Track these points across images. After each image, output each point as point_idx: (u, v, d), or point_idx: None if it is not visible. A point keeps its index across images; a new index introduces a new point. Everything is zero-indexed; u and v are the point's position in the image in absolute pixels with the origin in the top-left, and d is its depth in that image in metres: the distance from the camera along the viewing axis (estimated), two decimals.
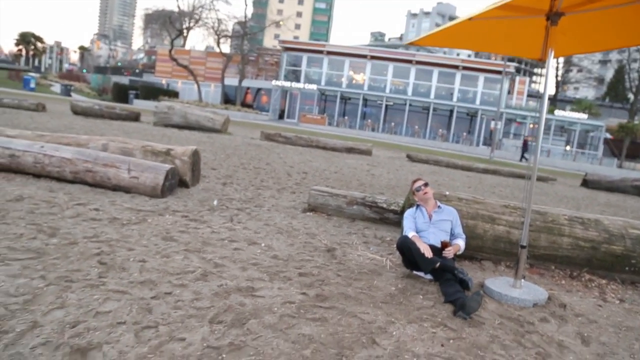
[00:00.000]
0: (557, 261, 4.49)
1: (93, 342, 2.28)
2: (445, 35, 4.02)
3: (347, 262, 4.10)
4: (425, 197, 4.21)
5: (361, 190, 7.97)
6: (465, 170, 16.94)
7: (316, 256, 4.16)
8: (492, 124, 34.55)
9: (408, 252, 3.73)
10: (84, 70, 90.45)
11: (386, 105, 47.17)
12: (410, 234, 3.94)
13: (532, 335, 3.03)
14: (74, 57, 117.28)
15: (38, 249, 3.43)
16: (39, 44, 79.31)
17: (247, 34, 50.92)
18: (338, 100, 47.81)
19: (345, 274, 3.75)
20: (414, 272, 3.88)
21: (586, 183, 16.66)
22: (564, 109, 48.34)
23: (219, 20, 49.88)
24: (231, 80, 50.32)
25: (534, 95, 58.73)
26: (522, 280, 3.78)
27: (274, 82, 49.13)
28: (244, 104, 51.34)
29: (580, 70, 75.24)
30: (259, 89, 55.04)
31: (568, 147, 45.91)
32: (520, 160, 31.71)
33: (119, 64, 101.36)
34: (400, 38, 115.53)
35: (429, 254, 3.65)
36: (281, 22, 53.29)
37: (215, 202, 5.83)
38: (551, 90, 60.58)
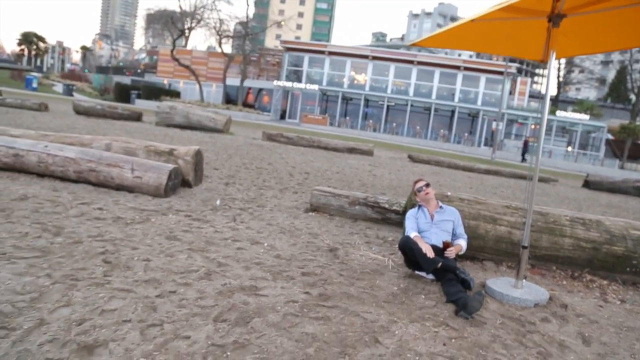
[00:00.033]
0: (558, 262, 4.51)
1: (99, 340, 2.31)
2: (447, 36, 4.05)
3: (350, 262, 4.13)
4: (427, 197, 4.23)
5: (363, 191, 7.99)
6: (466, 171, 16.95)
7: (319, 256, 4.19)
8: (494, 124, 34.53)
9: (410, 252, 3.75)
10: (86, 70, 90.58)
11: (388, 106, 47.19)
12: (412, 234, 3.96)
13: (534, 335, 3.05)
14: (76, 57, 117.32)
15: (43, 247, 3.47)
16: (41, 44, 79.45)
17: (248, 34, 50.95)
18: (339, 100, 47.87)
19: (347, 274, 3.77)
20: (416, 272, 3.90)
21: (588, 184, 16.68)
22: (565, 110, 48.40)
23: (221, 21, 50.04)
24: (233, 81, 50.37)
25: (536, 96, 58.77)
26: (524, 280, 3.81)
27: (275, 82, 49.19)
28: (246, 104, 51.40)
29: (582, 71, 75.18)
30: (260, 89, 55.09)
31: (570, 148, 45.91)
32: (522, 161, 31.77)
33: (121, 63, 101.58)
34: (402, 38, 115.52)
35: (431, 254, 3.67)
36: (283, 23, 53.30)
37: (218, 202, 5.86)
38: (553, 91, 60.56)
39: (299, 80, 49.05)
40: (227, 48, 55.72)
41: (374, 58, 47.99)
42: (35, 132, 7.10)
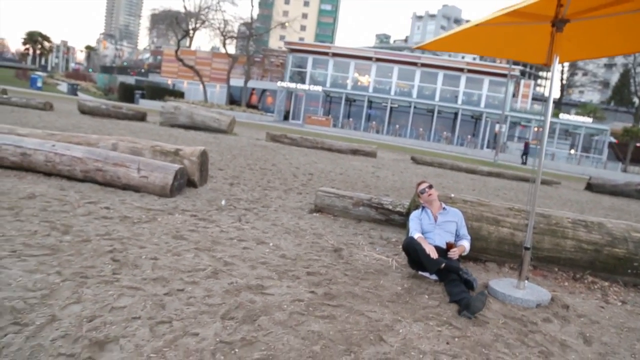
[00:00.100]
0: (560, 263, 4.55)
1: (110, 336, 2.36)
2: (453, 39, 4.10)
3: (354, 262, 4.18)
4: (430, 199, 4.27)
5: (366, 192, 8.03)
6: (469, 173, 16.99)
7: (323, 256, 4.24)
8: (497, 127, 34.56)
9: (414, 253, 3.79)
10: (90, 70, 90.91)
11: (391, 108, 47.22)
12: (416, 235, 4.00)
13: (535, 334, 3.09)
14: (81, 56, 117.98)
15: (52, 245, 3.52)
16: (45, 43, 79.67)
17: (252, 35, 51.04)
18: (343, 102, 47.93)
19: (352, 274, 3.82)
20: (420, 272, 3.95)
21: (590, 187, 16.69)
22: (568, 113, 48.30)
23: (225, 21, 50.15)
24: (236, 81, 50.46)
25: (539, 99, 58.70)
26: (526, 281, 3.85)
27: (279, 84, 49.26)
28: (249, 105, 51.51)
29: (585, 74, 75.11)
30: (264, 90, 55.20)
31: (572, 151, 45.86)
32: (525, 163, 31.82)
33: (125, 63, 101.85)
34: (406, 40, 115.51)
35: (434, 255, 3.71)
36: (287, 24, 53.32)
37: (223, 202, 5.91)
38: (556, 93, 60.46)
39: (303, 82, 49.12)
40: (231, 49, 55.81)
41: (378, 60, 48.03)
42: (43, 131, 7.17)
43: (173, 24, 49.59)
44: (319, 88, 47.46)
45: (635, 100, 56.46)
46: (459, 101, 46.25)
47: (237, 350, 2.39)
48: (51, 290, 2.76)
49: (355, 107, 49.39)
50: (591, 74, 75.10)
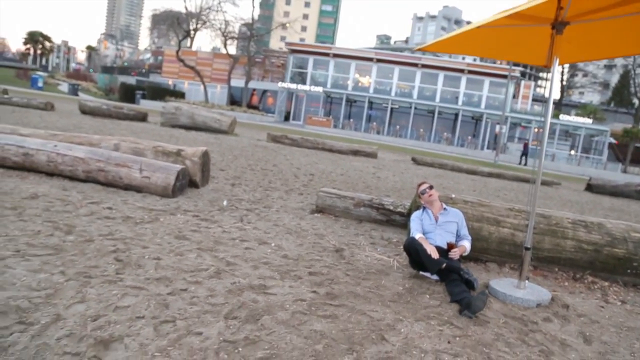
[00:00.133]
0: (560, 263, 4.57)
1: (115, 335, 2.39)
2: (454, 41, 4.12)
3: (355, 262, 4.20)
4: (431, 199, 4.30)
5: (367, 193, 8.05)
6: (470, 174, 17.01)
7: (325, 256, 4.26)
8: (497, 127, 34.61)
9: (415, 253, 3.82)
10: (91, 70, 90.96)
11: (391, 108, 47.25)
12: (417, 235, 4.02)
13: (536, 334, 3.12)
14: (81, 56, 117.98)
15: (56, 245, 3.54)
16: (46, 43, 79.65)
17: (253, 35, 51.10)
18: (344, 102, 47.98)
19: (353, 274, 3.84)
20: (421, 272, 3.97)
21: (590, 187, 16.71)
22: (568, 114, 48.28)
23: (226, 22, 50.23)
24: (237, 82, 50.52)
25: (539, 100, 58.68)
26: (526, 281, 3.87)
27: (280, 84, 49.33)
28: (250, 106, 51.56)
29: (585, 75, 75.09)
30: (264, 91, 55.25)
31: (572, 152, 45.88)
32: (521, 163, 31.85)
33: (126, 64, 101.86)
34: (406, 41, 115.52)
35: (435, 255, 3.74)
36: (288, 25, 53.39)
37: (225, 203, 5.94)
38: (556, 94, 60.44)
39: (304, 82, 49.16)
40: (232, 49, 55.91)
41: (378, 60, 48.09)
42: (45, 131, 7.19)
43: (174, 25, 49.67)
44: (319, 89, 47.51)
45: (635, 101, 56.42)
46: (460, 102, 46.30)
47: (240, 349, 2.42)
48: (55, 290, 2.79)
49: (356, 107, 49.44)
50: (591, 75, 75.09)
